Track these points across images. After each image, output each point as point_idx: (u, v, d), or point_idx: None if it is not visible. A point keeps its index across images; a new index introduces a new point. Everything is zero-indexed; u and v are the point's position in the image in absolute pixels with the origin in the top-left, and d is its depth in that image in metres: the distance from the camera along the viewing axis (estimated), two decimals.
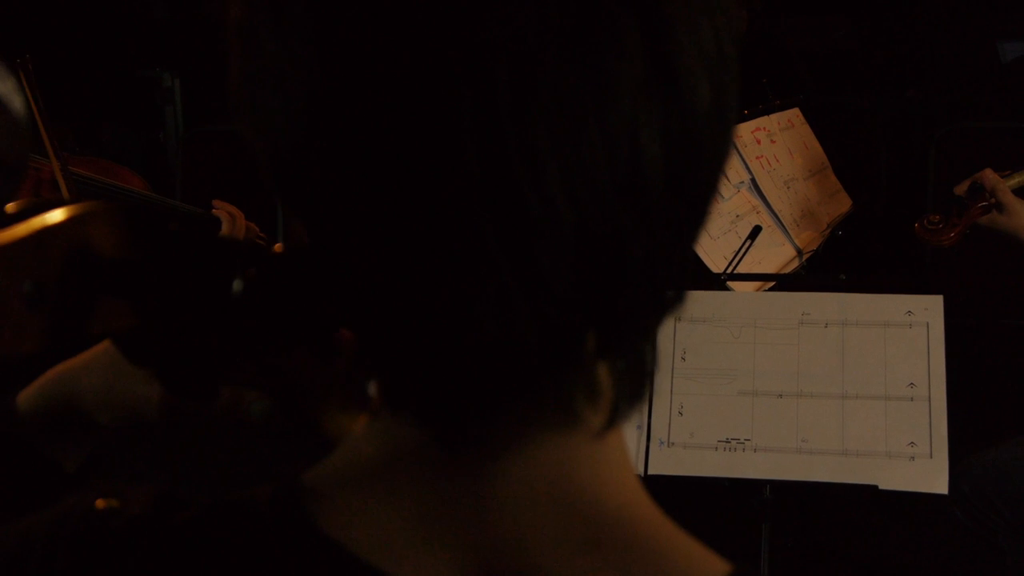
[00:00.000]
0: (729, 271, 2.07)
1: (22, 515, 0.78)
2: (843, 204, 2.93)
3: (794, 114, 2.87)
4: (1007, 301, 3.60)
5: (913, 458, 1.67)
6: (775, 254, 2.35)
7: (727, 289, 1.99)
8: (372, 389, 0.58)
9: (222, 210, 2.70)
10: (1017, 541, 2.28)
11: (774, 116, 2.72)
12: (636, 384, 0.54)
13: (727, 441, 1.74)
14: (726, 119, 0.53)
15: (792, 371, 1.75)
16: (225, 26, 0.55)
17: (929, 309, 1.75)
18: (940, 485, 1.66)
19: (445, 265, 0.49)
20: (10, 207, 0.55)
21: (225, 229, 2.68)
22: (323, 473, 0.58)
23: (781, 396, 1.75)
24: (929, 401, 1.70)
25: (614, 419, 0.55)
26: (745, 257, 2.11)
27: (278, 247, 0.58)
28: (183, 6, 5.32)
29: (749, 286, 2.07)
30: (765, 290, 2.04)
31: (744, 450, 1.73)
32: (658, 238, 0.51)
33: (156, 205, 2.71)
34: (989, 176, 2.24)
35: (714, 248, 2.15)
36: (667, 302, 0.54)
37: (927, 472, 1.67)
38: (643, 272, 0.51)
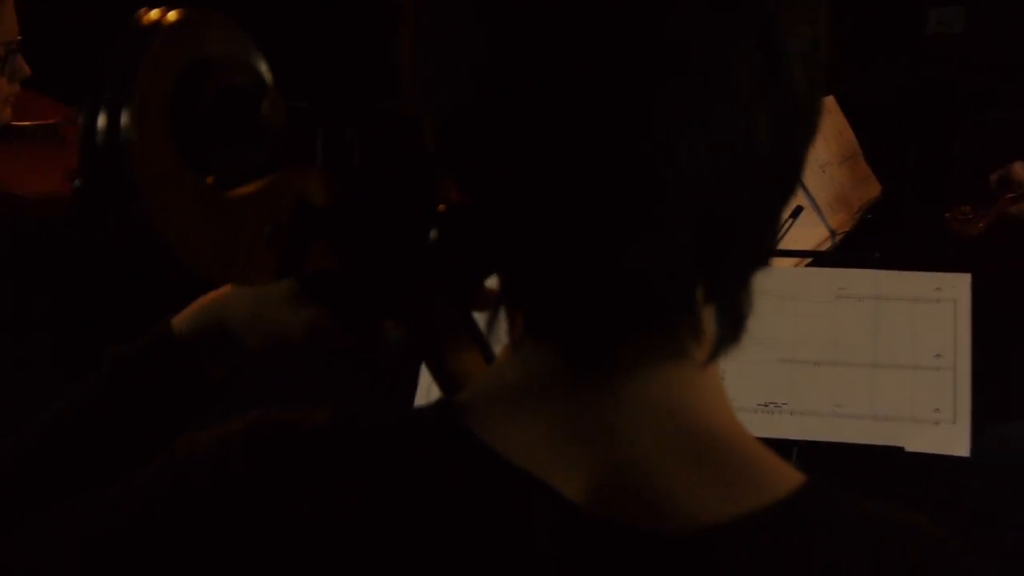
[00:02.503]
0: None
1: (174, 417, 0.91)
2: (873, 189, 3.04)
3: (829, 102, 2.99)
4: None
5: (938, 423, 1.80)
6: (811, 234, 2.48)
7: (768, 264, 2.11)
8: (503, 330, 0.71)
9: None
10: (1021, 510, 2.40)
11: None
12: (734, 325, 0.65)
13: (765, 405, 1.87)
14: (816, 103, 0.64)
15: (828, 341, 1.88)
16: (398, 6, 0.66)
17: (957, 286, 1.88)
18: (962, 448, 1.79)
19: (589, 226, 0.60)
20: None
21: None
22: (476, 394, 0.70)
23: (817, 364, 1.88)
24: (954, 371, 1.83)
25: (715, 354, 0.66)
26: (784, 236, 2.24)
27: (442, 207, 0.71)
28: None
29: (788, 261, 2.19)
30: (803, 265, 2.16)
31: (781, 413, 1.86)
32: (760, 205, 0.63)
33: None
34: (1017, 169, 2.37)
35: None
36: (761, 257, 0.66)
37: (950, 436, 1.80)
38: (746, 232, 0.63)
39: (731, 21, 0.59)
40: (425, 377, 1.96)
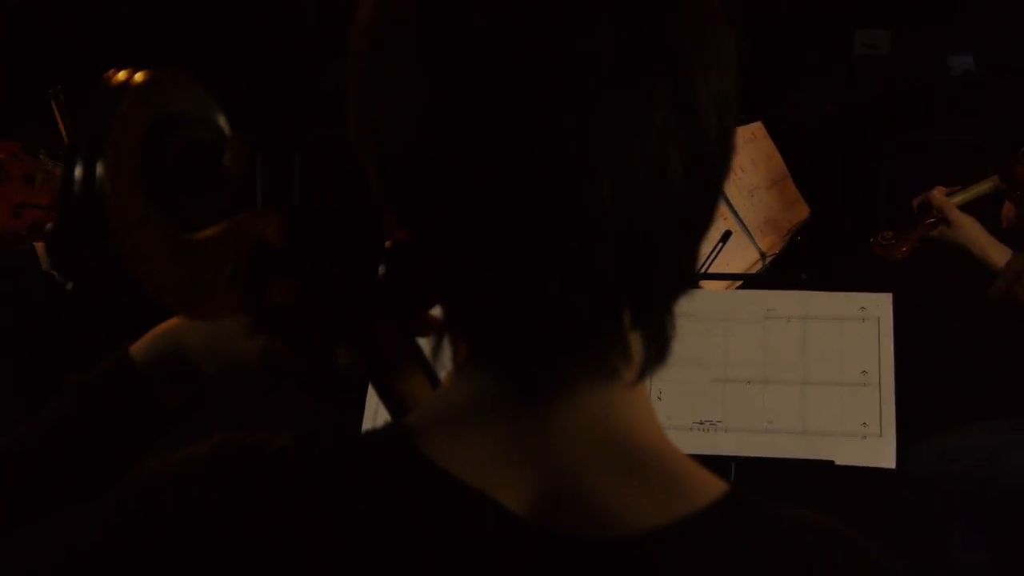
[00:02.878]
0: (702, 271, 2.27)
1: (129, 443, 0.94)
2: (802, 212, 3.13)
3: (757, 128, 3.07)
4: (957, 303, 3.83)
5: (865, 436, 1.88)
6: (741, 257, 2.55)
7: (699, 287, 2.18)
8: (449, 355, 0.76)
9: None
10: (958, 521, 2.48)
11: (739, 129, 2.90)
12: (660, 347, 0.71)
13: (701, 423, 1.94)
14: (728, 143, 0.70)
15: (759, 360, 1.97)
16: (346, 51, 0.71)
17: (880, 306, 1.97)
18: (888, 460, 1.87)
19: (524, 258, 0.65)
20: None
21: None
22: (424, 416, 0.74)
23: (749, 382, 1.96)
24: (879, 387, 1.91)
25: (643, 374, 0.72)
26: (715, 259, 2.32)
27: (388, 243, 0.76)
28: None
29: (719, 285, 2.27)
30: (734, 288, 2.24)
31: (716, 431, 1.93)
32: (678, 235, 0.68)
33: None
34: (936, 195, 2.47)
35: None
36: (683, 283, 0.71)
37: (877, 449, 1.88)
38: (667, 261, 0.68)
39: (645, 70, 0.65)
40: (372, 400, 2.01)
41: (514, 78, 0.64)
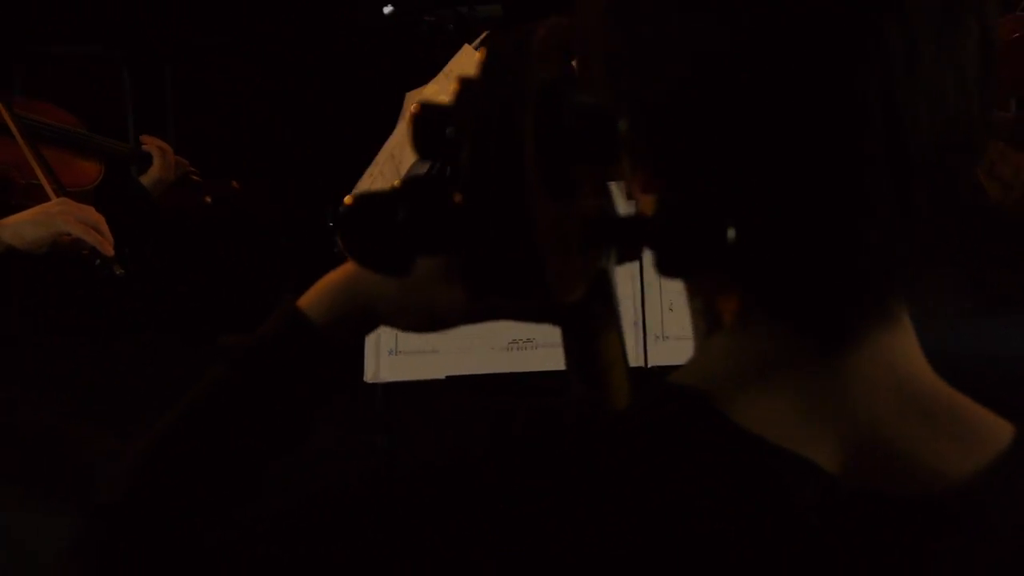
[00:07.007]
0: None
1: (305, 411, 0.82)
2: None
3: None
4: None
5: None
6: None
7: None
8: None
9: (152, 145, 2.79)
10: None
11: None
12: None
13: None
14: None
15: None
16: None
17: None
18: None
19: (842, 206, 0.63)
20: None
21: (157, 165, 2.76)
22: (709, 377, 0.70)
23: None
24: None
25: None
26: None
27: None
28: None
29: None
30: None
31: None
32: (971, 170, 0.68)
33: (88, 141, 2.77)
34: None
35: None
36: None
37: None
38: (963, 198, 0.67)
39: (955, 15, 0.65)
40: (371, 357, 2.04)
41: (819, 14, 0.63)
